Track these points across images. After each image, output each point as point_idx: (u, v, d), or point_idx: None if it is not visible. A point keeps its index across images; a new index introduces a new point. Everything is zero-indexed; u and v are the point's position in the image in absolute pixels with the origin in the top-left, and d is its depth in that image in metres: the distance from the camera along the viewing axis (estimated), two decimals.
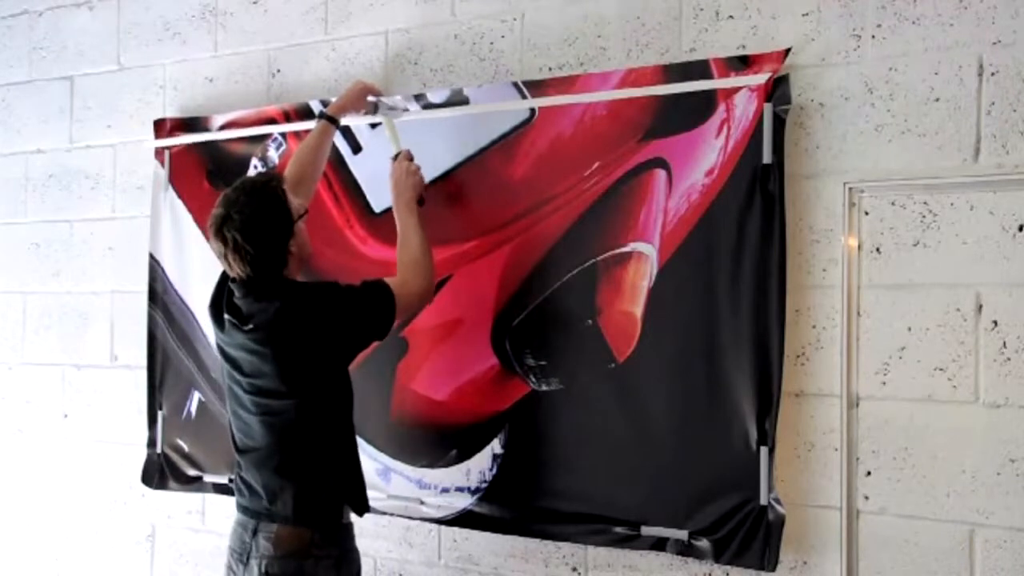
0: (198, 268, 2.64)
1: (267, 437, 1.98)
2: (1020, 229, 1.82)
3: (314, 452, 1.98)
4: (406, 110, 2.37)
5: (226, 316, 2.02)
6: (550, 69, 2.26)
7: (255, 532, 1.96)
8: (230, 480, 2.52)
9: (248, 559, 1.95)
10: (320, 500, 1.97)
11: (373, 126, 2.42)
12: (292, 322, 1.94)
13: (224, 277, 2.09)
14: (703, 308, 2.01)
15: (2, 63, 3.16)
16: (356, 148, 2.45)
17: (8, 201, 3.13)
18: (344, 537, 2.01)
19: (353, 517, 2.06)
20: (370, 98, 2.38)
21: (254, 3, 2.70)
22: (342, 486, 2.01)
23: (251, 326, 1.96)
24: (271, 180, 2.03)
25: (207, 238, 2.03)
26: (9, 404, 3.12)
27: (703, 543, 2.00)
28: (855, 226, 1.95)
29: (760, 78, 1.97)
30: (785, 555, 1.95)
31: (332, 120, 2.33)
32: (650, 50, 2.15)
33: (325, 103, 2.45)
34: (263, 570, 1.92)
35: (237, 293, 2.01)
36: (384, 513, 2.39)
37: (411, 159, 2.26)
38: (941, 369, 1.88)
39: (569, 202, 2.16)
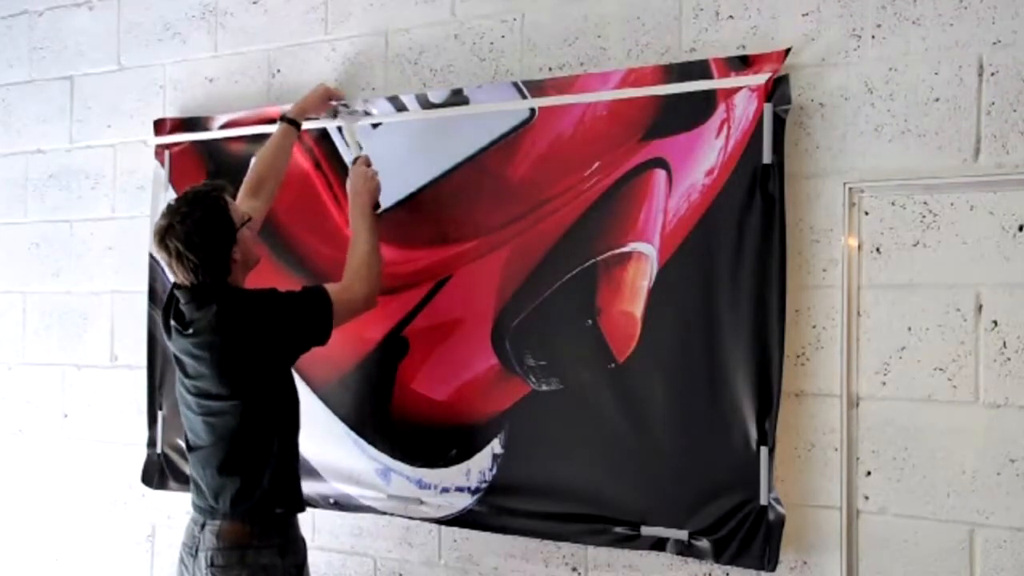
0: None
1: (210, 436, 2.07)
2: (1020, 229, 1.83)
3: (252, 452, 2.05)
4: (367, 113, 2.41)
5: (172, 322, 2.10)
6: (550, 69, 2.26)
7: (203, 527, 2.06)
8: None
9: (197, 552, 2.05)
10: (256, 498, 2.04)
11: (375, 126, 2.42)
12: (228, 327, 2.01)
13: (174, 284, 2.14)
14: (703, 308, 2.01)
15: (2, 63, 3.16)
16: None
17: (8, 201, 3.13)
18: (285, 526, 2.08)
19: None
20: (332, 102, 2.41)
21: (254, 3, 2.70)
22: (277, 487, 2.07)
23: (191, 331, 2.04)
24: (213, 190, 2.09)
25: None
26: (9, 404, 3.12)
27: (703, 543, 2.00)
28: (855, 226, 1.95)
29: (760, 78, 1.97)
30: (785, 555, 1.95)
31: (293, 123, 2.39)
32: (650, 50, 2.15)
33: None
34: (208, 560, 2.01)
35: (182, 300, 2.08)
36: (384, 513, 2.39)
37: (369, 164, 2.31)
38: (941, 369, 1.88)
39: (569, 202, 2.16)
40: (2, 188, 3.14)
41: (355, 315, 2.19)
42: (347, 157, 2.43)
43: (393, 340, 2.36)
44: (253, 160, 2.38)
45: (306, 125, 2.46)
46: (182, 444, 2.68)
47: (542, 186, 2.19)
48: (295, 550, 2.09)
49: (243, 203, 2.28)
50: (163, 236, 2.01)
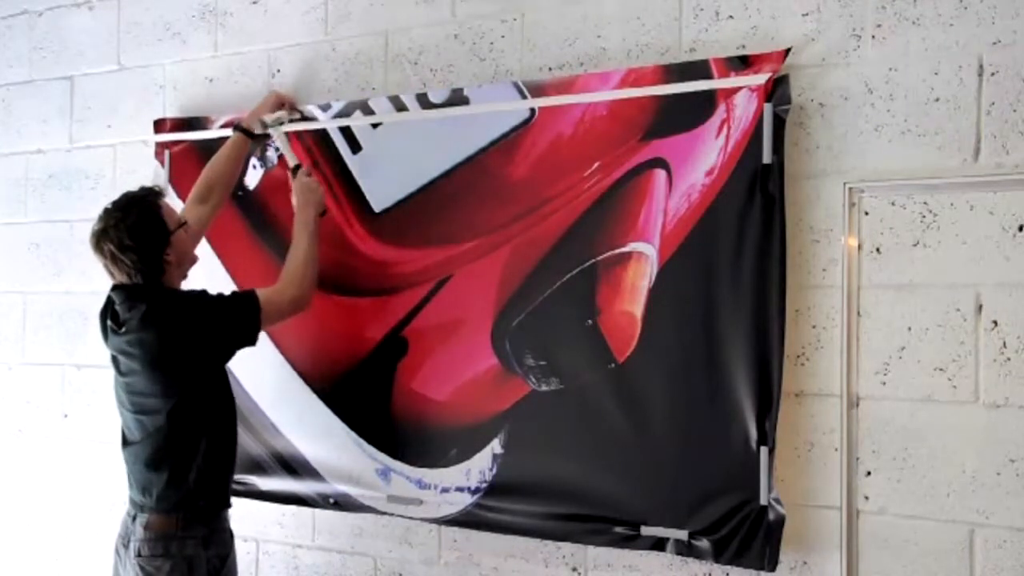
0: (198, 268, 2.63)
1: (140, 433, 2.14)
2: (1020, 229, 1.83)
3: (179, 450, 2.11)
4: (290, 120, 2.46)
5: (108, 321, 2.16)
6: (550, 69, 2.26)
7: (134, 519, 2.14)
8: None
9: (128, 542, 2.13)
10: (181, 494, 2.10)
11: (375, 126, 2.42)
12: (156, 325, 2.08)
13: (112, 286, 2.18)
14: (703, 308, 2.01)
15: (2, 63, 3.16)
16: (356, 148, 2.45)
17: (8, 201, 3.13)
18: (211, 519, 2.14)
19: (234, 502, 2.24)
20: (265, 117, 2.47)
21: (254, 3, 2.70)
22: (202, 484, 2.12)
23: (124, 329, 2.11)
24: (148, 195, 2.16)
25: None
26: (9, 404, 3.12)
27: (703, 543, 2.00)
28: (855, 226, 1.95)
29: (760, 78, 1.97)
30: (785, 555, 1.95)
31: (246, 132, 2.46)
32: (650, 50, 2.15)
33: (324, 106, 2.47)
34: (136, 551, 2.09)
35: (117, 300, 2.14)
36: (384, 513, 2.39)
37: (310, 175, 2.38)
38: (941, 369, 1.88)
39: (569, 202, 2.16)
40: (2, 188, 3.14)
41: (283, 318, 2.25)
42: (345, 152, 2.44)
43: (393, 340, 2.36)
44: (205, 167, 2.45)
45: (307, 125, 2.47)
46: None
47: (542, 186, 2.19)
48: (220, 542, 2.14)
49: (191, 210, 2.36)
50: (98, 240, 2.11)
